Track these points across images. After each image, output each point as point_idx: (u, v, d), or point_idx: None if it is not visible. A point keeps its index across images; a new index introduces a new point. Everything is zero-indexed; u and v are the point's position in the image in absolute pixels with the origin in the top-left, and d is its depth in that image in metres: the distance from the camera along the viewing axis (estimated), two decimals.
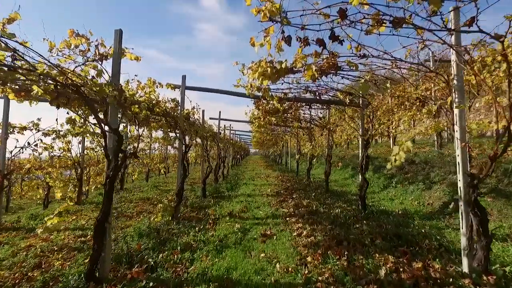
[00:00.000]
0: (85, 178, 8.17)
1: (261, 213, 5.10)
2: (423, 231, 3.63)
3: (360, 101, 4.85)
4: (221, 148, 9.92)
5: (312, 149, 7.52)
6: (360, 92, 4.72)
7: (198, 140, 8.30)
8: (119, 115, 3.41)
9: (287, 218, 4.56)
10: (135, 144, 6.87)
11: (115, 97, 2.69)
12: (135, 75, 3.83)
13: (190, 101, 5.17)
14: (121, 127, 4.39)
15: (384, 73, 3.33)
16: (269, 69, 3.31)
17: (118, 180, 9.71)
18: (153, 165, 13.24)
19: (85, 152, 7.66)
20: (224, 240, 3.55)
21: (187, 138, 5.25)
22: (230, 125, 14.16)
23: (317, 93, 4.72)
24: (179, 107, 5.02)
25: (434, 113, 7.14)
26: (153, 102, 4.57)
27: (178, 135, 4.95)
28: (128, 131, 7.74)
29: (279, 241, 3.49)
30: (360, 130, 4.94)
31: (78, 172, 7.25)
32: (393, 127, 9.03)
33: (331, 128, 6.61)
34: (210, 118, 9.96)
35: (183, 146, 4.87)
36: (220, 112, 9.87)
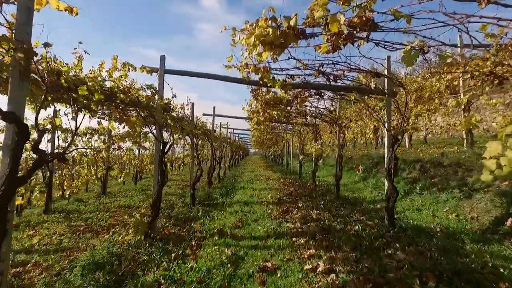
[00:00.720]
0: (58, 182, 7.12)
1: (259, 229, 4.03)
2: (488, 263, 2.57)
3: (386, 85, 3.77)
4: (215, 147, 8.86)
5: (319, 149, 6.47)
6: (387, 73, 3.65)
7: (189, 139, 7.25)
8: (52, 99, 2.37)
9: (294, 238, 3.50)
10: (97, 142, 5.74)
11: (17, 61, 1.63)
12: (80, 42, 2.74)
13: (171, 88, 4.10)
14: (106, 123, 3.36)
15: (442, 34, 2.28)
16: (270, 31, 2.25)
17: (101, 183, 8.65)
18: (143, 167, 12.17)
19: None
20: (206, 278, 2.48)
21: (166, 134, 4.19)
22: (227, 123, 13.12)
23: (331, 77, 3.66)
24: (158, 96, 3.96)
25: (463, 106, 6.08)
26: (122, 88, 3.51)
27: (155, 130, 3.89)
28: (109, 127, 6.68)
29: (285, 280, 2.42)
30: (386, 124, 3.87)
31: (47, 175, 6.19)
32: (409, 123, 8.01)
33: (344, 124, 5.55)
34: (204, 114, 8.91)
35: (160, 144, 3.81)
36: (214, 107, 8.82)
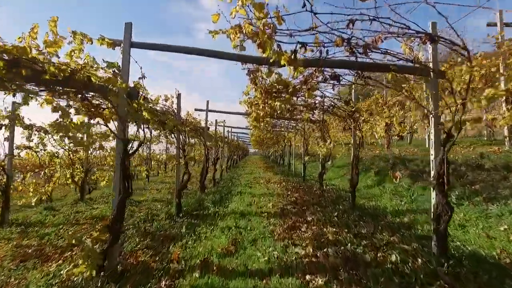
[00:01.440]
0: (20, 188, 6.06)
1: (259, 256, 2.98)
2: None
3: (430, 58, 2.70)
4: (209, 147, 7.80)
5: (331, 148, 5.42)
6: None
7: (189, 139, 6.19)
8: None
9: (308, 277, 2.45)
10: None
11: None
12: None
13: (141, 68, 3.03)
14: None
15: None
16: None
17: (79, 188, 7.61)
18: (132, 168, 11.12)
19: (16, 153, 5.54)
20: None
21: (131, 128, 3.14)
22: (224, 121, 12.02)
23: (359, 49, 2.61)
24: (121, 76, 2.91)
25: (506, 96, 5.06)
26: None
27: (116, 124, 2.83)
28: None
29: None
30: (433, 114, 2.82)
31: (3, 180, 5.15)
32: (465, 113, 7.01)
33: (363, 118, 4.50)
34: (196, 110, 7.86)
35: (122, 144, 2.75)
36: (208, 101, 7.77)
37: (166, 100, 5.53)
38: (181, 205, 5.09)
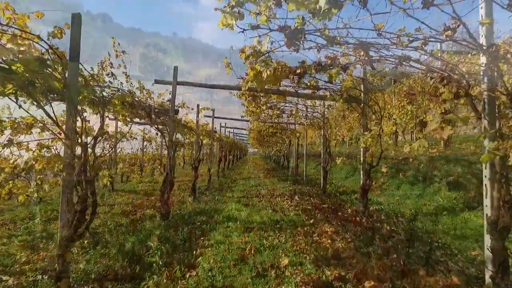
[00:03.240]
0: None
1: None
2: None
3: None
4: (176, 142, 4.78)
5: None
6: None
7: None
8: None
9: None
10: None
11: None
12: None
13: None
14: None
15: None
16: None
17: None
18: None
19: None
20: None
21: None
22: (214, 110, 8.98)
23: None
24: None
25: None
26: None
27: None
28: None
29: None
30: None
31: None
32: None
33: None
34: (156, 82, 4.82)
35: None
36: (175, 67, 4.72)
37: (61, 31, 2.57)
38: (68, 275, 2.04)
